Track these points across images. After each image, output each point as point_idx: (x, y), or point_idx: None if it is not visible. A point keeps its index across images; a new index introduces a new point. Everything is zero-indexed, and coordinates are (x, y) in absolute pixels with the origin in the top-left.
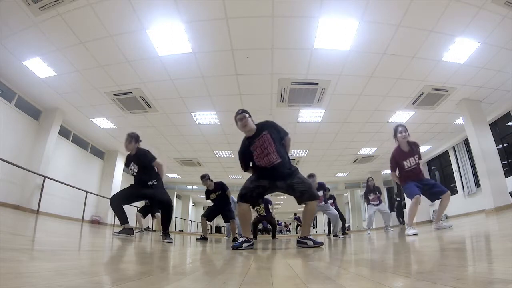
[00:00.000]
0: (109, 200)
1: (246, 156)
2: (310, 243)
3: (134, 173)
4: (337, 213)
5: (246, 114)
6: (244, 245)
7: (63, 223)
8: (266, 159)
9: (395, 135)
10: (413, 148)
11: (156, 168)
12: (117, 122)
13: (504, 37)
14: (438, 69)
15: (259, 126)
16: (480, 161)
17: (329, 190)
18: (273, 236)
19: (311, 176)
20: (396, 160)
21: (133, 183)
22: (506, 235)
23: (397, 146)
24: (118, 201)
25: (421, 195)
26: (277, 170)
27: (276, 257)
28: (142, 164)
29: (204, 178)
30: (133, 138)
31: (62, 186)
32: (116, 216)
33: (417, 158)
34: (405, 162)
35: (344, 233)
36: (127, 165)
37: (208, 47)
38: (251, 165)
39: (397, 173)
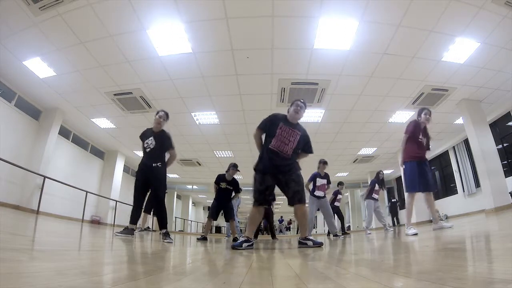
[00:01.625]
0: (132, 202)
1: (270, 124)
2: (310, 243)
3: (149, 149)
4: (331, 212)
5: (305, 107)
6: (244, 244)
7: (63, 223)
8: (282, 146)
9: (419, 115)
10: (426, 132)
11: (168, 155)
12: (117, 122)
13: (504, 37)
14: (438, 69)
15: (300, 125)
16: (480, 161)
17: (343, 184)
18: (273, 236)
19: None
20: (415, 127)
21: (133, 182)
22: (506, 235)
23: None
24: (141, 198)
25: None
26: (281, 159)
27: (276, 257)
28: (160, 144)
29: (235, 167)
30: (168, 117)
31: (62, 186)
32: (132, 213)
33: (427, 141)
34: (419, 135)
35: (344, 232)
36: (143, 138)
37: (208, 47)
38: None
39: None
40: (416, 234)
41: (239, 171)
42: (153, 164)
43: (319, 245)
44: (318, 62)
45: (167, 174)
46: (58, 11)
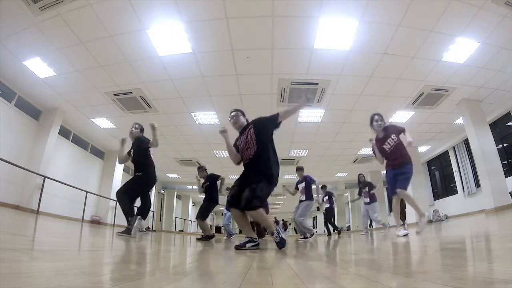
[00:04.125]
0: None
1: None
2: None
3: (133, 159)
4: (303, 213)
5: (238, 112)
6: (248, 245)
7: (63, 223)
8: (246, 152)
9: (371, 124)
10: (388, 132)
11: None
12: (117, 122)
13: (504, 37)
14: (438, 69)
15: (248, 122)
16: (480, 161)
17: (325, 187)
18: (261, 235)
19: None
20: (377, 147)
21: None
22: (506, 235)
23: (375, 136)
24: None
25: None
26: (250, 166)
27: (276, 257)
28: (137, 148)
29: (201, 169)
30: (141, 130)
31: (62, 186)
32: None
33: (395, 137)
34: (384, 146)
35: (329, 234)
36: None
37: (208, 47)
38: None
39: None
40: (406, 234)
41: (206, 169)
42: (137, 174)
43: (256, 246)
44: (318, 62)
45: (166, 174)
46: (58, 11)
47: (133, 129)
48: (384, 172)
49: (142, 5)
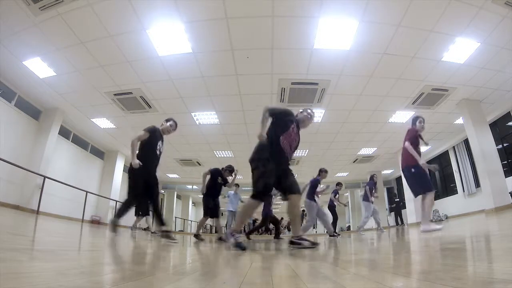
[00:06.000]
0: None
1: (286, 118)
2: (306, 243)
3: (159, 152)
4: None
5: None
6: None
7: (63, 223)
8: (287, 148)
9: (414, 124)
10: (420, 138)
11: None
12: (117, 122)
13: (504, 37)
14: (438, 69)
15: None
16: (480, 161)
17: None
18: (277, 235)
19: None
20: (416, 137)
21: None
22: (506, 235)
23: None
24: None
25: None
26: (285, 159)
27: (276, 257)
28: (164, 150)
29: (231, 172)
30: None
31: (62, 186)
32: (125, 210)
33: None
34: (419, 142)
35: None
36: (154, 137)
37: (208, 47)
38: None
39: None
40: (436, 230)
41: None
42: (156, 167)
43: (315, 245)
44: (318, 62)
45: (166, 174)
46: (58, 11)
47: (173, 129)
48: (384, 171)
49: (142, 5)
